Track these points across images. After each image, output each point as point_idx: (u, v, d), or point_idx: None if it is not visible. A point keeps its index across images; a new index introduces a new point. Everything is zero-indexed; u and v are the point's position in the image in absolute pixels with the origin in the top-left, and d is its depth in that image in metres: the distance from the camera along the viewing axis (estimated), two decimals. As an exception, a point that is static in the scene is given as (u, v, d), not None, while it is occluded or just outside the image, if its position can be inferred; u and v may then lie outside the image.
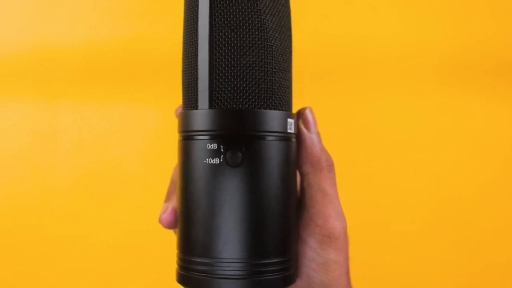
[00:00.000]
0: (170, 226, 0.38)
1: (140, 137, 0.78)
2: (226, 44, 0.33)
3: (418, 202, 0.76)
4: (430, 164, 0.76)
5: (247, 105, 0.33)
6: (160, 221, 0.38)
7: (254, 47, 0.34)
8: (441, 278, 0.76)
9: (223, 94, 0.34)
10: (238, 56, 0.33)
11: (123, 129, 0.78)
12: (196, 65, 0.34)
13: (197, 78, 0.34)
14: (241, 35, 0.34)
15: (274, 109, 0.34)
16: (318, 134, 0.37)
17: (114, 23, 0.78)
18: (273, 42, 0.34)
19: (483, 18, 0.77)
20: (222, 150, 0.33)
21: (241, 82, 0.34)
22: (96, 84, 0.77)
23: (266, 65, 0.34)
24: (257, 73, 0.34)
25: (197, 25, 0.34)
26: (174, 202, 0.37)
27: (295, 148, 0.36)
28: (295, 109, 0.38)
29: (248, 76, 0.34)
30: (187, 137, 0.35)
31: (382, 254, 0.76)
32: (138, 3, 0.78)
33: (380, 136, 0.77)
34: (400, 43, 0.76)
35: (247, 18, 0.34)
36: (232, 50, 0.33)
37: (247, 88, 0.34)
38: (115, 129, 0.78)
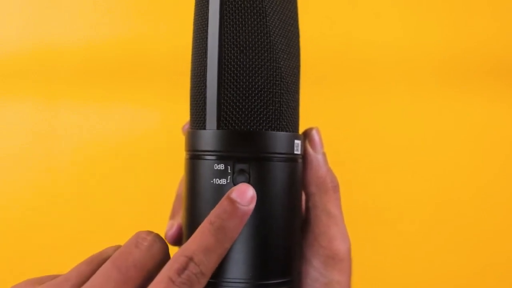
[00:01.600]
0: (176, 243, 0.38)
1: (140, 137, 0.78)
2: (235, 65, 0.33)
3: (418, 204, 0.77)
4: (431, 166, 0.77)
5: (255, 127, 0.34)
6: (166, 238, 0.38)
7: (263, 69, 0.34)
8: (440, 280, 0.77)
9: (231, 115, 0.34)
10: (247, 77, 0.34)
11: (123, 129, 0.78)
12: (205, 85, 0.34)
13: (205, 98, 0.34)
14: (251, 56, 0.34)
15: (282, 130, 0.34)
16: (324, 154, 0.37)
17: (114, 23, 0.78)
18: (282, 63, 0.34)
19: (482, 19, 0.77)
20: (229, 171, 0.33)
21: (250, 103, 0.34)
22: (96, 84, 0.77)
23: (274, 87, 0.34)
24: (265, 95, 0.34)
25: (206, 45, 0.34)
26: (179, 219, 0.38)
27: (301, 169, 0.36)
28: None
29: (256, 98, 0.34)
30: (194, 156, 0.35)
31: (381, 256, 0.77)
32: (138, 3, 0.78)
33: (381, 138, 0.77)
34: (400, 45, 0.77)
35: (256, 39, 0.34)
36: (241, 71, 0.33)
37: (255, 109, 0.34)
38: (115, 129, 0.78)
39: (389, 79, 0.76)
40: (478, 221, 0.77)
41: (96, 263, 0.34)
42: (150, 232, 0.34)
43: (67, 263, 0.80)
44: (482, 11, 0.77)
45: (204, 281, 0.31)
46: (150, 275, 0.32)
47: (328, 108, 0.76)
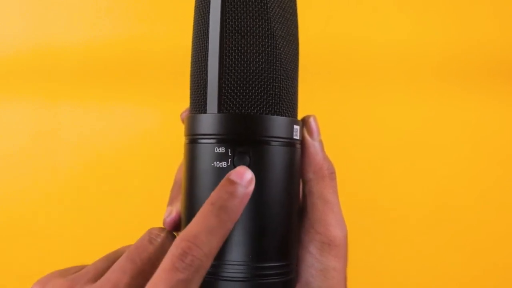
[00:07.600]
0: (175, 229, 0.38)
1: (140, 137, 0.78)
2: (236, 50, 0.34)
3: (416, 202, 0.77)
4: (430, 165, 0.77)
5: (255, 111, 0.34)
6: (164, 224, 0.38)
7: (263, 54, 0.34)
8: (437, 280, 0.76)
9: (231, 99, 0.34)
10: (248, 62, 0.34)
11: (123, 129, 0.78)
12: (206, 70, 0.35)
13: (206, 82, 0.35)
14: (251, 42, 0.34)
15: (281, 115, 0.35)
16: (321, 142, 0.37)
17: (114, 23, 0.78)
18: (281, 49, 0.35)
19: (482, 19, 0.77)
20: (230, 154, 0.34)
21: (250, 87, 0.34)
22: (96, 84, 0.78)
23: (274, 72, 0.35)
24: (265, 80, 0.34)
25: (208, 31, 0.35)
26: (178, 205, 0.38)
27: (299, 155, 0.37)
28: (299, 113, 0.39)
29: (256, 82, 0.34)
30: (194, 140, 0.35)
31: (378, 256, 0.77)
32: (138, 3, 0.78)
33: (380, 137, 0.77)
34: (400, 44, 0.77)
35: (257, 25, 0.34)
36: (242, 56, 0.34)
37: (256, 94, 0.34)
38: (115, 129, 0.78)
39: (388, 77, 0.77)
40: (478, 221, 0.76)
41: (112, 260, 0.34)
42: (162, 229, 0.34)
43: (68, 263, 0.80)
44: (482, 10, 0.77)
45: (208, 263, 0.31)
46: None
47: (326, 106, 0.76)
